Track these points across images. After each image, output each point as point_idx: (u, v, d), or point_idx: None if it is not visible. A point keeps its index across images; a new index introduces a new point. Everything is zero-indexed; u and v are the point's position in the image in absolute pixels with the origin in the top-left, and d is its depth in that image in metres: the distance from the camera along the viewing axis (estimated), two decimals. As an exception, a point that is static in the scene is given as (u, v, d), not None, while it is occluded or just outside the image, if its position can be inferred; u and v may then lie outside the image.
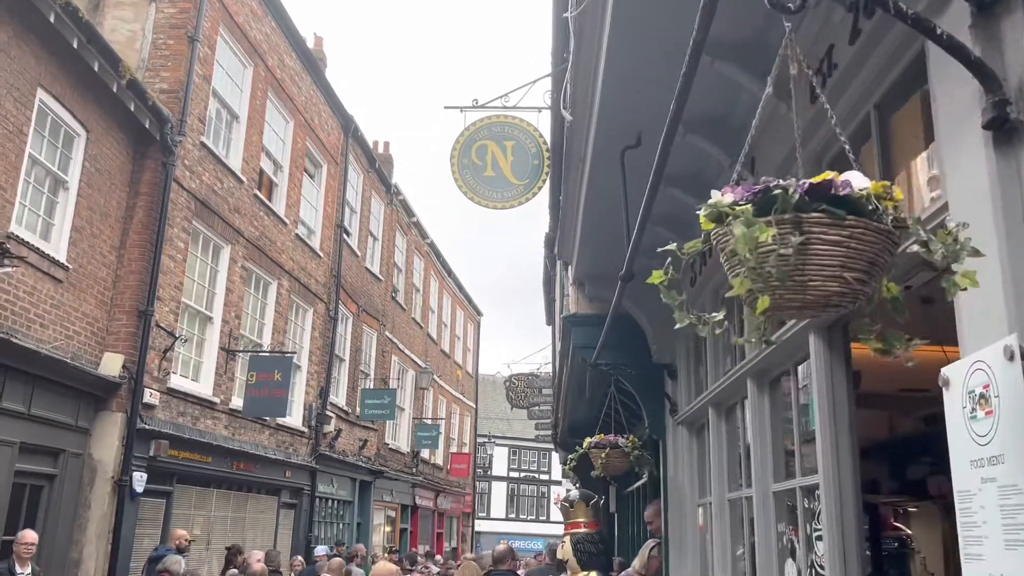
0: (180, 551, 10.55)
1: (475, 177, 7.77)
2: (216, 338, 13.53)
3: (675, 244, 2.08)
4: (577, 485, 7.15)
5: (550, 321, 21.50)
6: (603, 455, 6.27)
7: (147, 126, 11.43)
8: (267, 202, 15.43)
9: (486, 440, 42.61)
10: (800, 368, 3.92)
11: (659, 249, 2.18)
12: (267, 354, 14.34)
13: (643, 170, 4.06)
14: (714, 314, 2.18)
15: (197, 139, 12.82)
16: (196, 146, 12.80)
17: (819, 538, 3.39)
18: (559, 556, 7.17)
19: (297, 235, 16.77)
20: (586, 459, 6.68)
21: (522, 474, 54.13)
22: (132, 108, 10.99)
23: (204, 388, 13.17)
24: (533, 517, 53.47)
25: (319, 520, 18.27)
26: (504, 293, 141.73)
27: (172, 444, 11.80)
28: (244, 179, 14.35)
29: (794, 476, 3.94)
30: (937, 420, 2.46)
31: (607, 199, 5.18)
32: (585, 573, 6.89)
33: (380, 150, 24.91)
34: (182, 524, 12.54)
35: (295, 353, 15.33)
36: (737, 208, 1.80)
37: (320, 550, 15.32)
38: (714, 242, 1.95)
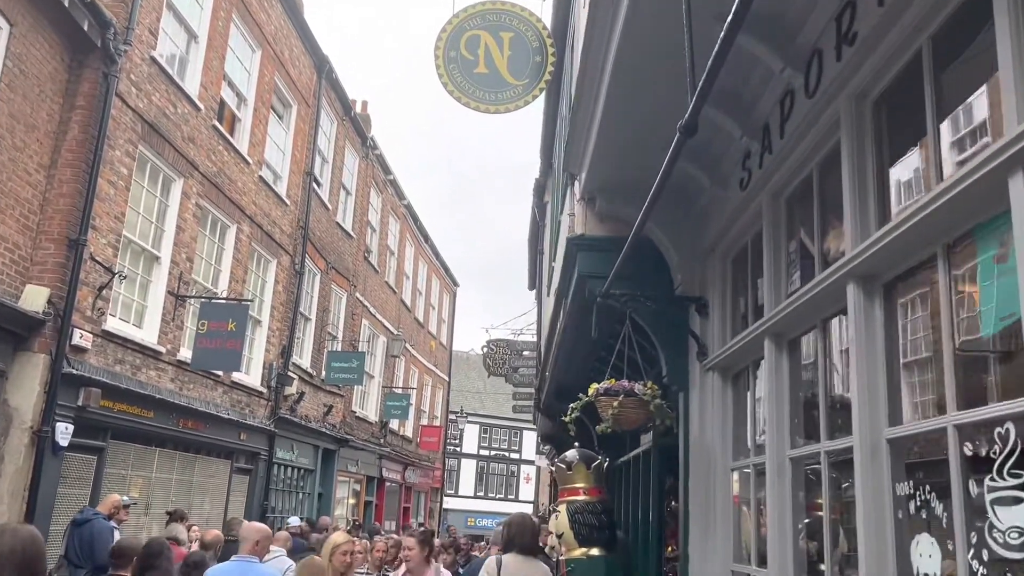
0: (109, 518, 9.19)
1: (464, 74, 6.44)
2: (163, 281, 12.10)
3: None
4: (576, 446, 5.88)
5: (533, 285, 20.21)
6: (615, 404, 5.00)
7: (86, 28, 9.93)
8: (228, 136, 13.96)
9: (457, 415, 41.36)
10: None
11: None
12: (221, 301, 12.91)
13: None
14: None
15: (146, 52, 11.33)
16: (145, 61, 11.31)
17: (1016, 500, 2.14)
18: (551, 529, 5.91)
19: (261, 177, 15.32)
20: (591, 411, 5.41)
21: (492, 452, 53.04)
22: (67, 3, 9.50)
23: (148, 335, 11.75)
24: (502, 496, 52.47)
25: (277, 488, 16.94)
26: (481, 272, 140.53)
27: (106, 394, 10.40)
28: (202, 106, 12.88)
29: (943, 410, 2.68)
30: None
31: (647, 58, 3.88)
32: (584, 551, 5.64)
33: (358, 109, 23.31)
34: (117, 484, 11.17)
35: (251, 301, 13.93)
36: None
37: (293, 521, 14.02)
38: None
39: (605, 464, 5.90)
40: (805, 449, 3.86)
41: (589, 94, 4.77)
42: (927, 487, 2.67)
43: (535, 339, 19.85)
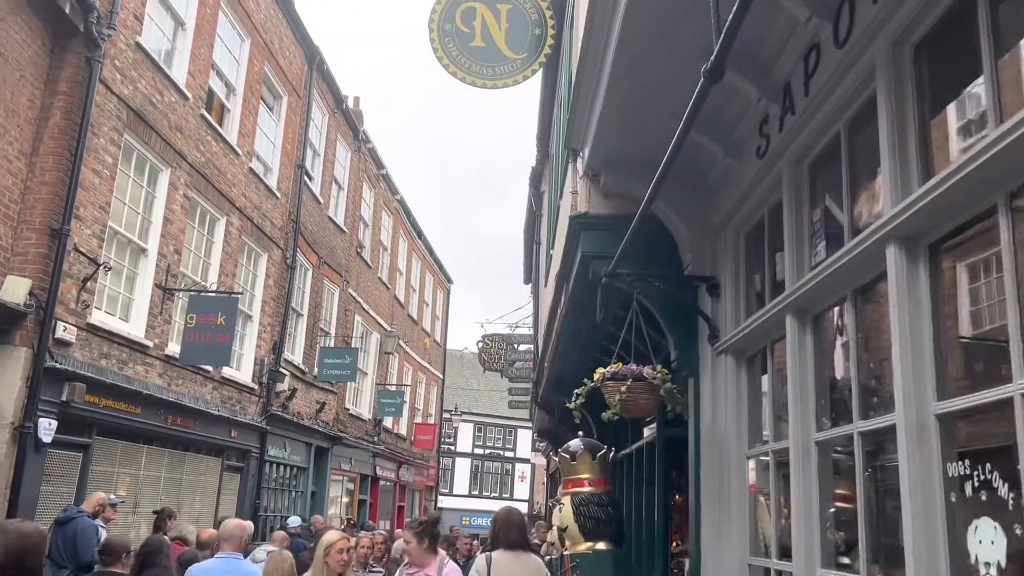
0: (95, 517, 8.89)
1: (460, 48, 6.15)
2: (151, 273, 11.78)
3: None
4: (580, 435, 5.61)
5: (529, 278, 19.92)
6: (623, 389, 4.72)
7: (67, 11, 9.61)
8: (216, 126, 13.64)
9: (451, 414, 41.04)
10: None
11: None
12: (210, 294, 12.59)
13: None
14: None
15: (132, 38, 11.01)
16: (130, 46, 10.99)
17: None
18: (554, 522, 5.64)
19: (251, 169, 15.00)
20: (595, 399, 5.13)
21: (487, 451, 52.80)
22: (47, -15, 9.19)
23: (135, 329, 11.44)
24: (496, 494, 52.20)
25: (269, 487, 16.63)
26: (475, 273, 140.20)
27: (91, 389, 10.08)
28: (189, 95, 12.56)
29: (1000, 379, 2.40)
30: None
31: (660, 13, 3.60)
32: (590, 544, 5.37)
33: (350, 104, 22.89)
34: (104, 482, 10.86)
35: (241, 294, 13.61)
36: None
37: (293, 521, 13.71)
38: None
39: (611, 454, 5.62)
40: (834, 432, 3.58)
41: (595, 56, 4.49)
42: (987, 466, 2.40)
43: (531, 332, 19.55)
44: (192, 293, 12.32)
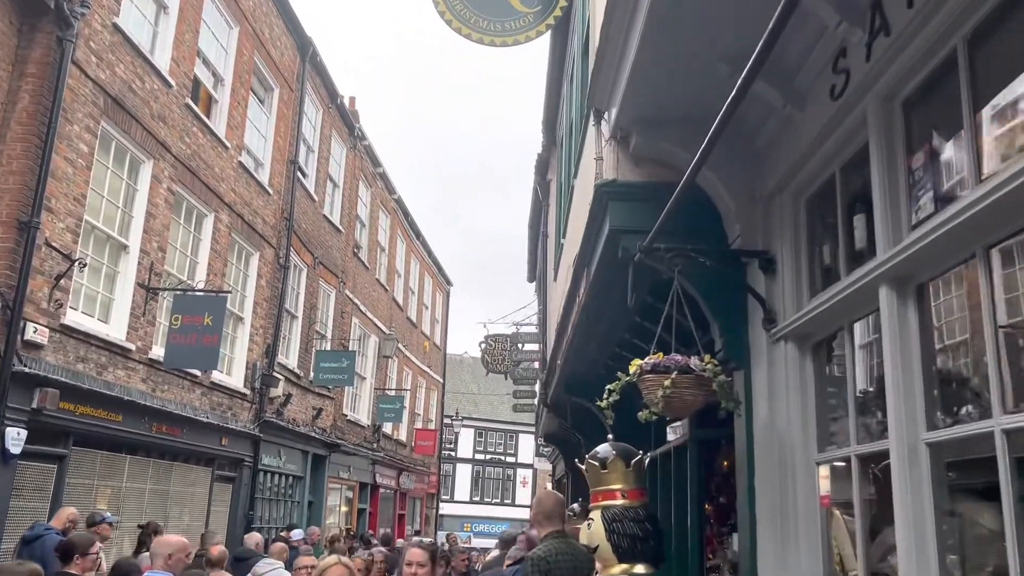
0: (64, 534, 8.14)
1: (465, 2, 5.38)
2: (132, 272, 11.02)
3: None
4: (610, 438, 4.83)
5: (533, 276, 19.15)
6: (666, 384, 3.96)
7: (36, -14, 8.88)
8: (203, 117, 12.89)
9: (452, 419, 40.26)
10: None
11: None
12: (196, 293, 11.83)
13: None
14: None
15: (108, 19, 10.27)
16: (107, 28, 10.25)
17: None
18: (584, 541, 4.86)
19: (241, 164, 14.24)
20: (632, 394, 4.37)
21: (488, 456, 52.04)
22: (12, -45, 8.46)
23: (115, 330, 10.67)
24: (498, 500, 51.47)
25: (263, 497, 15.84)
26: (474, 277, 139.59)
27: (66, 396, 9.32)
28: (173, 83, 11.81)
29: None
30: None
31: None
32: (626, 567, 4.59)
33: (346, 104, 22.05)
34: (82, 495, 10.10)
35: (229, 293, 12.83)
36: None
37: (297, 534, 12.92)
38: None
39: (647, 461, 4.85)
40: (959, 430, 2.82)
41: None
42: None
43: (537, 331, 18.77)
44: (177, 292, 11.55)
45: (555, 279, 10.85)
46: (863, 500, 3.45)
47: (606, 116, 4.96)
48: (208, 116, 13.27)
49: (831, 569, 3.85)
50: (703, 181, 4.55)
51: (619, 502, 4.65)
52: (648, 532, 4.60)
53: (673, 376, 3.98)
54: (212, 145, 13.19)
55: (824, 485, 3.90)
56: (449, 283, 35.21)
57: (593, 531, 4.66)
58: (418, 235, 29.06)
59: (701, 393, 4.06)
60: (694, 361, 4.04)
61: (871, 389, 3.54)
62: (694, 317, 4.51)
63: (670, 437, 7.61)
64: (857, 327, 3.65)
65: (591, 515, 4.74)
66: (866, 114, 3.33)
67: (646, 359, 4.15)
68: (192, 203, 12.71)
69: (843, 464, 3.80)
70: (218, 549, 9.02)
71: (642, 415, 4.25)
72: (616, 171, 4.75)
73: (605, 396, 4.26)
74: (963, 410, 2.88)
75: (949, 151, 2.93)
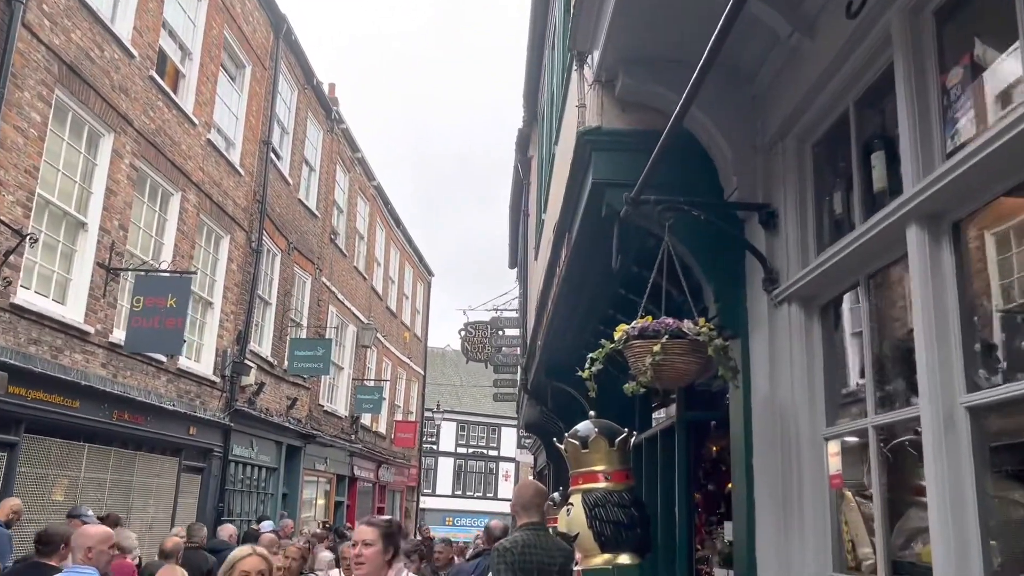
0: (8, 526, 7.65)
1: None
2: (91, 251, 10.45)
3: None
4: (594, 414, 4.37)
5: (515, 262, 18.65)
6: (655, 349, 3.50)
7: (-19, -60, 8.31)
8: (169, 92, 12.32)
9: (433, 412, 39.74)
10: None
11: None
12: (159, 274, 11.26)
13: None
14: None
15: (63, -19, 9.69)
16: (62, -10, 9.67)
17: None
18: (563, 528, 4.40)
19: (210, 142, 13.67)
20: (615, 374, 3.90)
21: (471, 450, 51.64)
22: (-47, -95, 7.88)
23: (72, 312, 10.11)
24: (480, 494, 51.09)
25: (234, 488, 15.30)
26: (453, 272, 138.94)
27: (15, 379, 8.79)
28: (136, 53, 11.24)
29: None
30: None
31: None
32: (609, 557, 4.13)
33: (325, 91, 21.34)
34: (35, 485, 9.57)
35: (194, 274, 12.27)
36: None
37: (266, 525, 12.37)
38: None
39: (632, 440, 4.40)
40: (1004, 391, 2.36)
41: None
42: None
43: (517, 316, 18.29)
44: (139, 273, 10.98)
45: (536, 258, 10.37)
46: (882, 478, 3.00)
47: (589, 60, 4.48)
48: (175, 92, 12.71)
49: (841, 558, 3.40)
50: (696, 128, 4.09)
51: (602, 485, 4.21)
52: (634, 518, 4.16)
53: (663, 341, 3.51)
54: (179, 121, 12.62)
55: (834, 463, 3.45)
56: (430, 273, 34.66)
57: (573, 517, 4.21)
58: (398, 223, 28.50)
59: (695, 361, 3.59)
60: (687, 325, 3.58)
61: (893, 351, 3.09)
62: (687, 283, 4.04)
63: (657, 422, 7.16)
64: (874, 282, 3.19)
65: (571, 500, 4.29)
66: (890, 31, 2.87)
67: (632, 323, 3.69)
68: (157, 181, 12.14)
69: (856, 439, 3.35)
70: (172, 541, 8.52)
71: (628, 387, 3.78)
72: (600, 118, 4.28)
73: (587, 365, 3.78)
74: (1009, 368, 2.43)
75: (995, 64, 2.47)
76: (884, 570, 2.92)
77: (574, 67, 4.84)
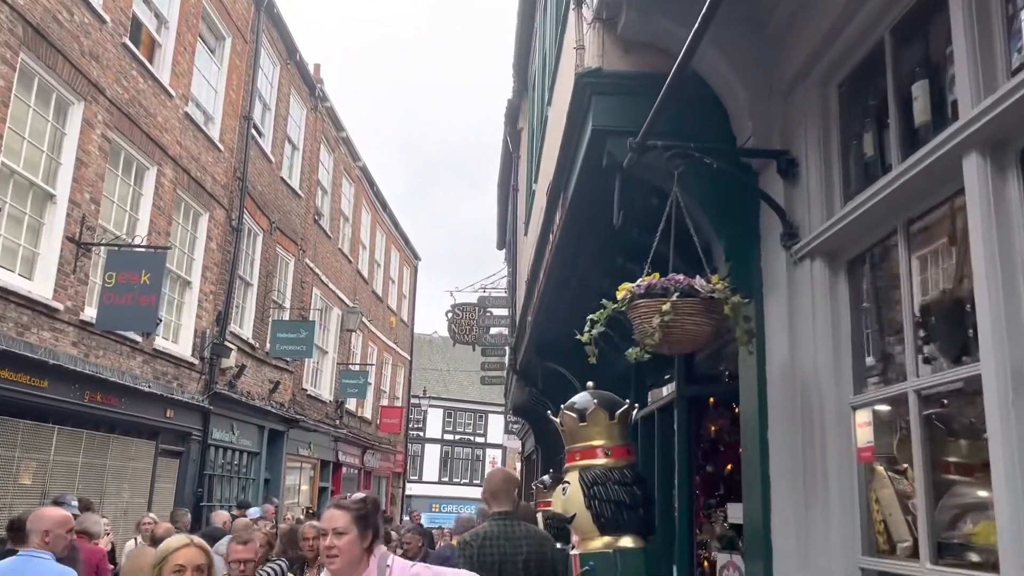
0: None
1: None
2: (60, 224, 9.99)
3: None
4: (592, 385, 3.97)
5: (503, 243, 18.24)
6: (664, 308, 3.13)
7: None
8: (144, 61, 11.83)
9: (420, 398, 39.38)
10: None
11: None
12: (132, 249, 10.81)
13: None
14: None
15: (28, -62, 9.19)
16: (27, -52, 9.18)
17: None
18: (558, 509, 4.04)
19: (188, 115, 13.19)
20: (618, 327, 3.53)
21: (457, 437, 51.39)
22: None
23: (40, 288, 9.65)
24: (467, 481, 50.82)
25: (214, 473, 14.89)
26: (441, 260, 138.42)
27: (-23, 357, 8.34)
28: (108, 19, 10.75)
29: None
30: None
31: None
32: (609, 540, 3.78)
33: (311, 71, 20.75)
34: (1, 468, 9.13)
35: (169, 248, 11.80)
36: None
37: (254, 512, 11.93)
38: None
39: (634, 413, 4.04)
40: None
41: None
42: None
43: (506, 295, 17.87)
44: (111, 248, 10.53)
45: (526, 233, 9.98)
46: (925, 450, 2.64)
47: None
48: (151, 61, 12.21)
49: (871, 540, 3.05)
50: (707, 69, 3.71)
51: (601, 461, 3.85)
52: (636, 497, 3.81)
53: (673, 299, 3.14)
54: (154, 92, 12.13)
55: (862, 435, 3.09)
56: (417, 257, 34.20)
57: (569, 497, 3.85)
58: (384, 206, 28.02)
59: (707, 322, 3.22)
60: (699, 282, 3.20)
61: (940, 305, 2.73)
62: (698, 239, 3.67)
63: (652, 400, 6.79)
64: (915, 228, 2.82)
65: (567, 477, 3.92)
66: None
67: (638, 281, 3.31)
68: (131, 153, 11.66)
69: (889, 408, 2.99)
70: (164, 527, 8.17)
71: (632, 353, 3.41)
72: (601, 59, 3.89)
73: (587, 328, 3.41)
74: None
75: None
76: (929, 552, 2.56)
77: (571, 6, 4.45)
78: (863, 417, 3.09)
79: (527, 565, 3.61)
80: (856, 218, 3.01)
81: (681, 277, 3.22)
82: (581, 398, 3.98)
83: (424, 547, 8.05)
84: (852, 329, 3.23)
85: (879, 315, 3.17)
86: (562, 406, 4.00)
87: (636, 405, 4.03)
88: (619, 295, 3.38)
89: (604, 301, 3.44)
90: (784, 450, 3.41)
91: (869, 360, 3.17)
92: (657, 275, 3.30)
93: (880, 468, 3.01)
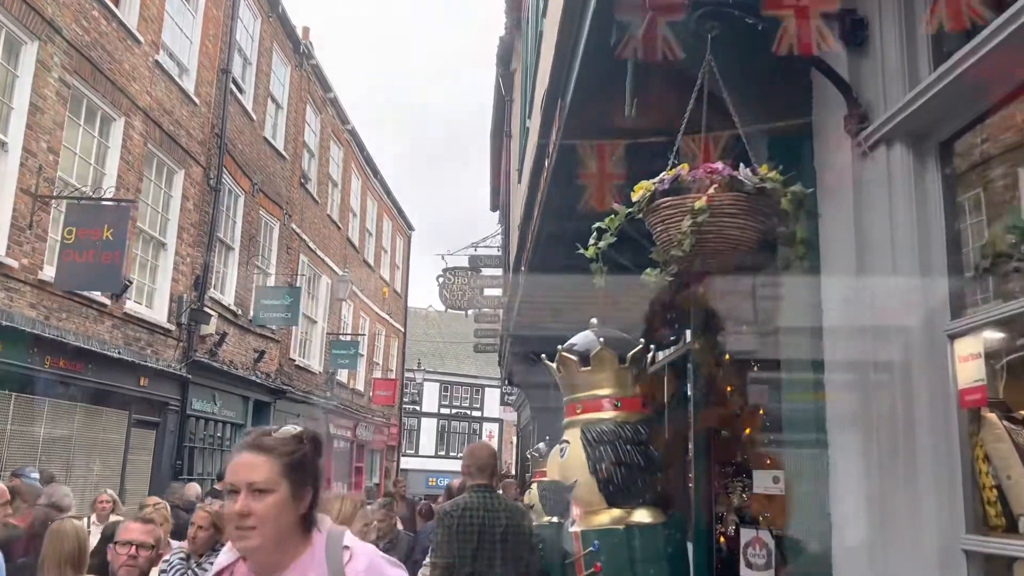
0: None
1: None
2: (13, 175, 9.18)
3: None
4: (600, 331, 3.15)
5: (496, 204, 17.43)
6: (697, 206, 2.35)
7: None
8: (107, 2, 10.94)
9: (415, 371, 38.71)
10: None
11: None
12: (94, 202, 9.98)
13: None
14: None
15: None
16: None
17: None
18: (555, 476, 3.25)
19: (159, 64, 12.31)
20: (635, 231, 2.73)
21: (454, 411, 50.97)
22: None
23: (-9, 244, 8.86)
24: (463, 454, 50.35)
25: (194, 445, 14.16)
26: (436, 238, 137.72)
27: (-85, 315, 7.55)
28: (64, -48, 9.86)
29: None
30: None
31: None
32: (620, 514, 3.00)
33: (299, 35, 19.70)
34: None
35: (134, 202, 10.94)
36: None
37: None
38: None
39: (650, 356, 3.25)
40: None
41: None
42: None
43: (500, 254, 17.06)
44: (70, 201, 9.71)
45: (519, 180, 9.16)
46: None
47: None
48: (115, 3, 11.33)
49: (974, 509, 2.28)
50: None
51: (609, 415, 3.09)
52: (653, 459, 3.03)
53: (711, 192, 2.34)
54: (120, 36, 11.25)
55: (965, 372, 2.31)
56: (411, 227, 33.31)
57: (568, 459, 3.08)
58: (376, 172, 27.12)
59: (754, 224, 2.44)
60: (744, 172, 2.40)
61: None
62: (738, 121, 2.85)
63: (662, 356, 6.00)
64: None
65: (566, 435, 3.15)
66: None
67: (660, 175, 2.52)
68: (95, 102, 10.81)
69: (1004, 335, 2.21)
70: (153, 500, 7.44)
71: (650, 274, 2.62)
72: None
73: (593, 240, 2.61)
74: None
75: None
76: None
77: None
78: (965, 348, 2.31)
79: (504, 536, 3.16)
80: (955, 79, 2.22)
81: (720, 166, 2.43)
82: (583, 338, 3.21)
83: (396, 529, 7.01)
84: (947, 232, 2.44)
85: (987, 211, 2.38)
86: (560, 347, 3.21)
87: (652, 346, 3.24)
88: (635, 196, 2.59)
89: (616, 206, 2.64)
90: (849, 394, 2.64)
91: (976, 275, 2.38)
92: (686, 166, 2.50)
93: (992, 416, 2.24)
